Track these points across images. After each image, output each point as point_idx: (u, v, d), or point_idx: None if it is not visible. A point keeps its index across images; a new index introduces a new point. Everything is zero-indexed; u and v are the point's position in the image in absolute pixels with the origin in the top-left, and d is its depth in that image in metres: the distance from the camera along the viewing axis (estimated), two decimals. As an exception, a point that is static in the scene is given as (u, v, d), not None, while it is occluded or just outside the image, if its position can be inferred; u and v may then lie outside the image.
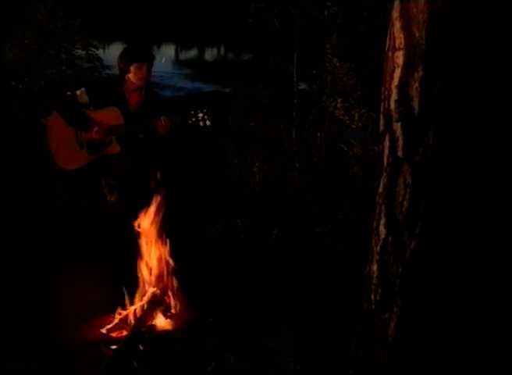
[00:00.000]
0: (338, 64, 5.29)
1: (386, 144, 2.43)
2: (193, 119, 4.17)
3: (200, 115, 4.16)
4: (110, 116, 4.15)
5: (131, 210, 4.08)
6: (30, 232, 4.12)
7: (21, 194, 4.46)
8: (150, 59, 4.19)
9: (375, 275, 2.56)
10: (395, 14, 2.35)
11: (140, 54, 4.20)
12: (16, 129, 5.48)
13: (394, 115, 2.38)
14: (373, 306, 2.60)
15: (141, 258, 3.49)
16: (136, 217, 3.72)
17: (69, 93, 4.18)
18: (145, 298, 3.42)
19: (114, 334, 3.25)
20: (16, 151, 5.01)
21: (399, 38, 2.34)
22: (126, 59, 4.17)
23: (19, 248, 3.93)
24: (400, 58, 2.34)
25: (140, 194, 4.11)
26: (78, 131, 4.21)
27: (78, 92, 4.16)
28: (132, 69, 4.14)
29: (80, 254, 3.72)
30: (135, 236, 3.55)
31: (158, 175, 4.04)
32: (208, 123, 4.17)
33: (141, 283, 3.48)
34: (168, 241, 3.48)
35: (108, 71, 6.67)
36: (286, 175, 5.51)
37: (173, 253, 3.51)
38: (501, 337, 2.49)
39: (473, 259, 2.41)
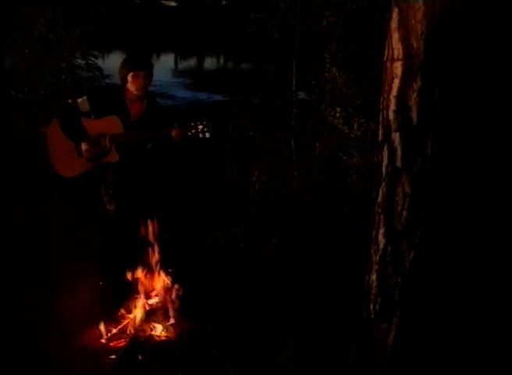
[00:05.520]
0: (337, 74, 5.30)
1: (385, 154, 2.44)
2: (193, 131, 4.18)
3: (200, 127, 4.17)
4: (110, 124, 4.15)
5: (128, 219, 4.09)
6: (30, 239, 4.14)
7: (21, 202, 4.48)
8: (147, 68, 4.20)
9: (374, 285, 2.56)
10: (393, 25, 2.36)
11: (136, 63, 4.20)
12: (16, 138, 5.50)
13: (393, 125, 2.39)
14: (372, 316, 2.60)
15: (140, 267, 3.49)
16: (133, 226, 3.73)
17: (70, 101, 4.19)
18: (144, 307, 3.43)
19: (113, 344, 3.25)
20: (16, 160, 5.02)
21: (397, 49, 2.35)
22: (123, 69, 4.18)
23: (18, 255, 3.95)
24: (398, 68, 2.35)
25: (137, 204, 4.12)
26: None
27: (79, 100, 4.16)
28: (129, 78, 4.14)
29: (80, 262, 3.72)
30: (134, 245, 3.56)
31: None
32: (207, 135, 4.18)
33: (140, 292, 3.48)
34: (167, 250, 3.49)
35: (107, 80, 6.68)
36: (285, 184, 5.52)
37: (173, 262, 3.51)
38: (503, 347, 2.49)
39: (473, 269, 2.41)
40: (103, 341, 3.26)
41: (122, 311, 3.41)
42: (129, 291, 3.47)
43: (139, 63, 4.20)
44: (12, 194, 4.60)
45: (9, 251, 3.97)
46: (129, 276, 3.54)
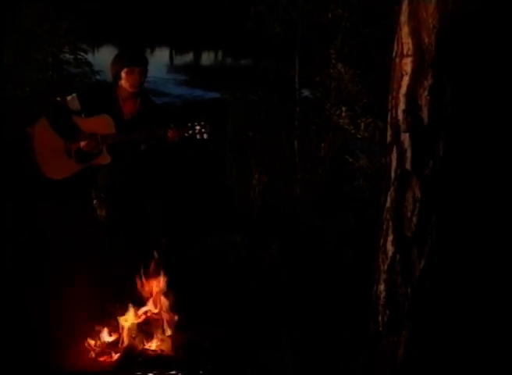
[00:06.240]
0: (343, 70, 5.31)
1: (394, 156, 2.44)
2: (190, 132, 4.19)
3: (197, 128, 4.19)
4: (101, 124, 4.15)
5: (121, 222, 4.10)
6: (30, 239, 4.19)
7: (20, 202, 4.54)
8: (142, 64, 4.20)
9: (382, 295, 2.56)
10: (403, 18, 2.36)
11: (130, 58, 4.21)
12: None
13: (402, 125, 2.39)
14: (380, 328, 2.59)
15: (135, 275, 3.49)
16: (126, 231, 3.73)
17: (58, 99, 4.19)
18: (138, 319, 3.41)
19: (103, 358, 3.24)
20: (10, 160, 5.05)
21: (407, 44, 2.35)
22: (116, 65, 4.19)
23: (18, 255, 4.00)
24: (408, 65, 2.35)
25: (130, 207, 4.13)
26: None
27: (69, 98, 4.17)
28: (123, 74, 4.15)
29: (71, 270, 3.73)
30: (127, 251, 3.56)
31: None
32: (205, 136, 4.20)
33: (134, 302, 3.47)
34: (163, 257, 3.48)
35: (98, 77, 6.69)
36: (287, 187, 5.52)
37: (169, 269, 3.51)
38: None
39: (487, 278, 2.41)
40: (93, 355, 3.25)
41: (115, 321, 3.40)
42: (123, 300, 3.46)
43: (134, 59, 4.21)
44: (11, 194, 4.65)
45: (9, 251, 4.01)
46: (123, 283, 3.53)
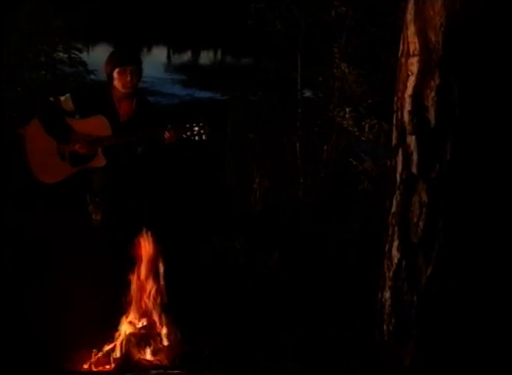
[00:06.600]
0: (346, 70, 5.31)
1: (399, 159, 2.44)
2: (188, 133, 4.20)
3: (196, 129, 4.19)
4: (96, 125, 4.16)
5: (116, 230, 4.10)
6: (30, 240, 4.21)
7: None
8: (134, 63, 4.20)
9: (387, 303, 2.56)
10: (409, 16, 2.37)
11: (122, 57, 4.21)
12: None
13: (408, 127, 2.40)
14: (386, 337, 2.60)
15: (131, 282, 3.48)
16: (122, 237, 3.73)
17: (51, 99, 4.19)
18: (134, 327, 3.41)
19: (98, 369, 3.23)
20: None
21: (413, 43, 2.36)
22: (109, 64, 4.19)
23: (18, 255, 4.05)
24: (414, 64, 2.36)
25: (127, 211, 4.13)
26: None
27: (62, 98, 4.16)
28: (115, 74, 4.15)
29: (71, 270, 3.75)
30: (124, 258, 3.56)
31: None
32: (203, 137, 4.20)
33: (130, 310, 3.47)
34: (160, 264, 3.48)
35: (92, 76, 6.69)
36: (289, 191, 5.52)
37: (166, 277, 3.51)
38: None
39: (497, 285, 2.41)
40: (87, 365, 3.24)
41: (112, 330, 3.40)
42: (119, 308, 3.46)
43: (125, 58, 4.21)
44: (11, 194, 4.67)
45: (9, 251, 4.03)
46: (118, 291, 3.53)
